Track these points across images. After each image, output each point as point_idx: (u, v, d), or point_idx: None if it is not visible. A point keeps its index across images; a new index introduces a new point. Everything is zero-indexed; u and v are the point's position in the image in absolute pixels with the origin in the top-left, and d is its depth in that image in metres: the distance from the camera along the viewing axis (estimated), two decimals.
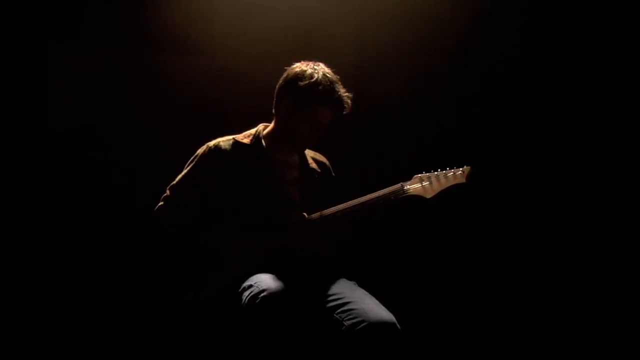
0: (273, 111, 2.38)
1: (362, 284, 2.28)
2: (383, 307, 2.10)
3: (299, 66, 2.32)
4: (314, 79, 2.25)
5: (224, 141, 2.36)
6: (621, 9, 2.98)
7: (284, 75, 2.34)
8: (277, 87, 2.36)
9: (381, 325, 2.02)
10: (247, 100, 3.00)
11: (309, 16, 3.11)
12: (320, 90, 2.24)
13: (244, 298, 2.03)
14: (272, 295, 1.96)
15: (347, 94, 2.29)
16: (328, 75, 2.28)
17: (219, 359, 2.25)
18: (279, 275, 2.07)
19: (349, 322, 2.05)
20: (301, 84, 2.25)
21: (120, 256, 2.94)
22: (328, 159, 2.54)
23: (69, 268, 2.91)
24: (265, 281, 2.02)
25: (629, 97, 3.00)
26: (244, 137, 2.39)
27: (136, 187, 2.88)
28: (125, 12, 2.97)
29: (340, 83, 2.29)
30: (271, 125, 2.41)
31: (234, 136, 2.39)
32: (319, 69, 2.28)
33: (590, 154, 3.04)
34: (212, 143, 2.35)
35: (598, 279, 2.99)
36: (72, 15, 2.95)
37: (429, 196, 2.28)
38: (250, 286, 2.04)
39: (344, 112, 2.30)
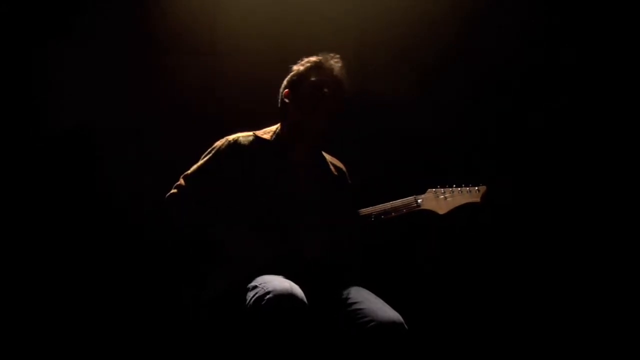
0: (279, 112, 2.41)
1: (367, 287, 2.28)
2: (390, 308, 2.11)
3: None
4: (305, 61, 2.37)
5: (244, 137, 2.37)
6: (621, 9, 2.99)
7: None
8: (279, 92, 2.41)
9: (390, 324, 2.03)
10: (247, 100, 3.01)
11: (309, 16, 3.11)
12: (313, 66, 2.34)
13: (248, 299, 2.02)
14: (278, 297, 1.94)
15: (340, 64, 2.36)
16: (319, 56, 2.37)
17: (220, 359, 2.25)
18: (284, 277, 2.06)
19: (357, 322, 2.06)
20: (295, 70, 2.37)
21: (121, 255, 2.93)
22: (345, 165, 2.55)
23: (70, 267, 2.90)
24: (271, 282, 2.01)
25: (630, 97, 3.01)
26: (264, 133, 2.40)
27: (137, 186, 2.88)
28: (126, 12, 2.97)
29: (336, 59, 2.36)
30: (278, 126, 2.42)
31: (254, 132, 2.39)
32: (310, 58, 2.38)
33: (590, 154, 3.05)
34: (231, 137, 2.36)
35: (603, 287, 2.99)
36: (72, 15, 2.94)
37: (442, 212, 2.27)
38: (256, 287, 2.03)
39: (342, 88, 2.34)
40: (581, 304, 3.00)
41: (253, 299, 1.99)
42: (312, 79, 2.33)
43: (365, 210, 2.28)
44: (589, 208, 3.04)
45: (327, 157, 2.50)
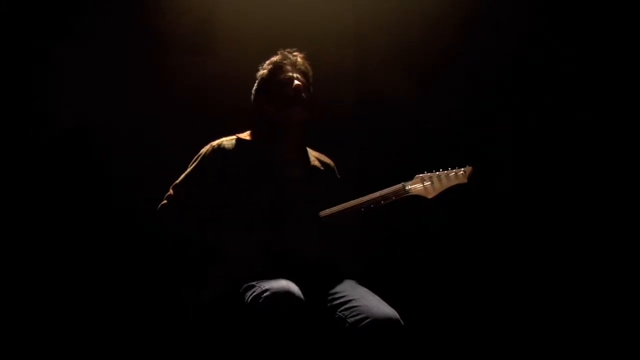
0: (255, 119, 2.46)
1: (362, 283, 2.28)
2: (386, 304, 2.11)
3: None
4: (267, 64, 2.45)
5: (227, 140, 2.40)
6: (621, 8, 2.99)
7: None
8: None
9: (385, 321, 2.03)
10: (247, 100, 3.00)
11: (309, 16, 3.11)
12: (275, 66, 2.42)
13: (246, 298, 2.02)
14: (276, 295, 1.95)
15: (301, 56, 2.44)
16: (278, 55, 2.45)
17: (220, 359, 2.26)
18: (280, 275, 2.07)
19: (352, 319, 2.05)
20: (260, 76, 2.45)
21: (121, 256, 2.94)
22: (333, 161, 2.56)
23: (70, 267, 2.90)
24: (267, 281, 2.02)
25: (628, 96, 3.01)
26: (247, 135, 2.43)
27: (137, 187, 2.88)
28: (126, 12, 2.97)
29: (295, 53, 2.45)
30: (252, 130, 2.45)
31: (237, 135, 2.42)
32: (271, 59, 2.46)
33: (590, 153, 3.05)
34: (215, 143, 2.38)
35: (599, 279, 2.99)
36: (72, 15, 2.95)
37: (430, 196, 2.30)
38: (253, 286, 2.04)
39: (309, 78, 2.42)
40: (577, 297, 3.00)
41: (251, 297, 2.00)
42: (279, 77, 2.39)
43: (355, 201, 2.28)
44: (589, 208, 3.04)
45: (314, 153, 2.51)
